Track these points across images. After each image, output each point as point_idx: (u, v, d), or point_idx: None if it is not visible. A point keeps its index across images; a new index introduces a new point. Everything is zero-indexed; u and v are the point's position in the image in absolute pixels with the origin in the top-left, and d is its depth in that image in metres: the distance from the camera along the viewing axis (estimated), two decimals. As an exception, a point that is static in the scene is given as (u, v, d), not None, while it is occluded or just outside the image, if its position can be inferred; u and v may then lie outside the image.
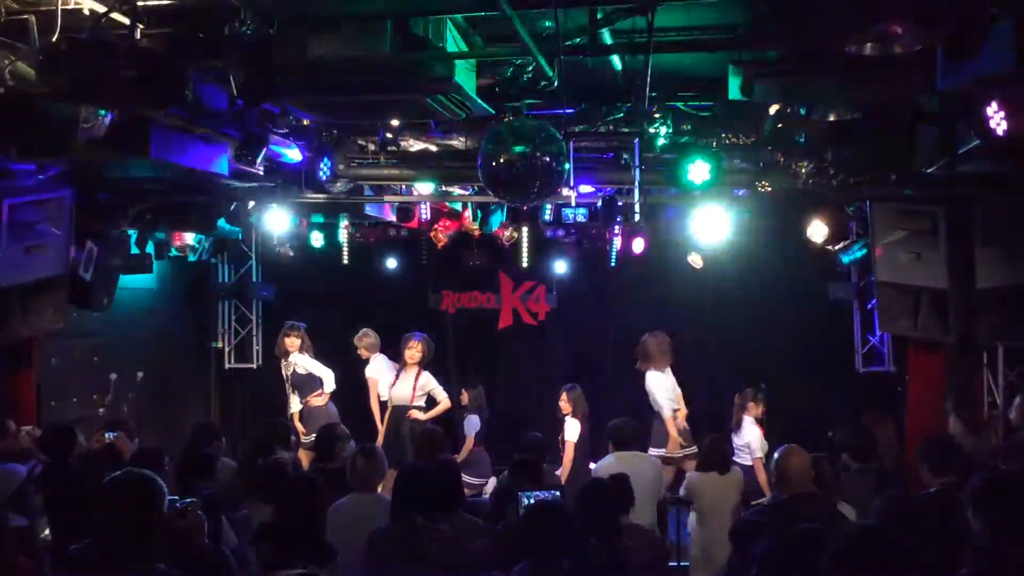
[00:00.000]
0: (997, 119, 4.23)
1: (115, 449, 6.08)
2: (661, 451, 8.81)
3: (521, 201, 8.10)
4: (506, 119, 6.35)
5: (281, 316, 10.50)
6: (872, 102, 5.83)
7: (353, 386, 10.11)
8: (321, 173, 6.98)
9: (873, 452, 6.16)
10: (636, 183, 7.08)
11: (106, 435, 6.40)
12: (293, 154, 7.00)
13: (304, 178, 6.99)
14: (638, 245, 10.18)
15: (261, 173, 6.91)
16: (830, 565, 3.21)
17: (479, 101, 5.61)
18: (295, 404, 9.90)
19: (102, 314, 8.38)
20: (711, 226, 9.44)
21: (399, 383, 9.51)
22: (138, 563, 3.31)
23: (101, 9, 4.30)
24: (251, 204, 8.93)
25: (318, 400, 9.71)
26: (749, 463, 8.15)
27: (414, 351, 9.47)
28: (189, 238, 9.63)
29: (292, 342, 9.80)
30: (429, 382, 9.51)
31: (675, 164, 6.54)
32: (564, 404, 8.78)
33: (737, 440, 8.45)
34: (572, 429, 8.67)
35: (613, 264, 10.80)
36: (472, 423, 9.30)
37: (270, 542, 4.15)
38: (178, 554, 3.67)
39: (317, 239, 10.79)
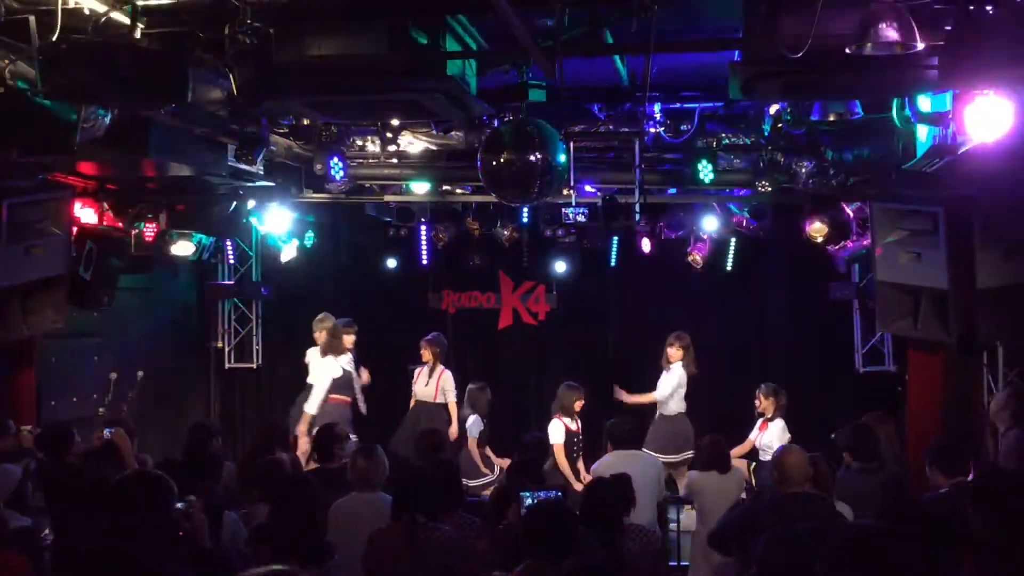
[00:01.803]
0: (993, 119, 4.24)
1: (113, 446, 6.06)
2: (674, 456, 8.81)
3: (521, 201, 8.10)
4: (506, 119, 6.36)
5: (281, 316, 10.49)
6: (872, 102, 5.83)
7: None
8: (333, 171, 7.00)
9: (875, 452, 6.15)
10: (636, 183, 7.08)
11: (105, 431, 6.38)
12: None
13: (308, 177, 7.01)
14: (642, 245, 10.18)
15: (261, 173, 6.92)
16: (827, 565, 3.21)
17: (479, 101, 5.61)
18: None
19: (102, 314, 8.38)
20: (711, 225, 9.47)
21: (422, 379, 9.65)
22: (146, 563, 3.30)
23: (101, 9, 4.30)
24: (251, 204, 8.93)
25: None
26: None
27: (424, 351, 9.66)
28: (189, 238, 9.61)
29: (351, 339, 9.61)
30: (447, 382, 9.59)
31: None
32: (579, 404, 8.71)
33: (766, 438, 8.43)
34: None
35: (613, 264, 10.80)
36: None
37: (267, 541, 4.16)
38: (184, 555, 3.67)
39: (317, 239, 10.80)
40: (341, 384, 9.31)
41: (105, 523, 3.41)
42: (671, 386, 9.24)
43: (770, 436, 8.35)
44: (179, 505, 3.63)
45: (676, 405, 9.28)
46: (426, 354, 9.64)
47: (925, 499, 5.27)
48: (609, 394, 9.91)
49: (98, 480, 4.93)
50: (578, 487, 8.06)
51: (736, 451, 8.28)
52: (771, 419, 8.42)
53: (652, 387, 9.51)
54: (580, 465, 8.49)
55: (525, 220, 10.29)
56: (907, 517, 4.28)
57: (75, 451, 6.13)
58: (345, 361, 9.42)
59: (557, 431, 8.31)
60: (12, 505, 5.15)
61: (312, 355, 9.45)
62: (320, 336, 9.40)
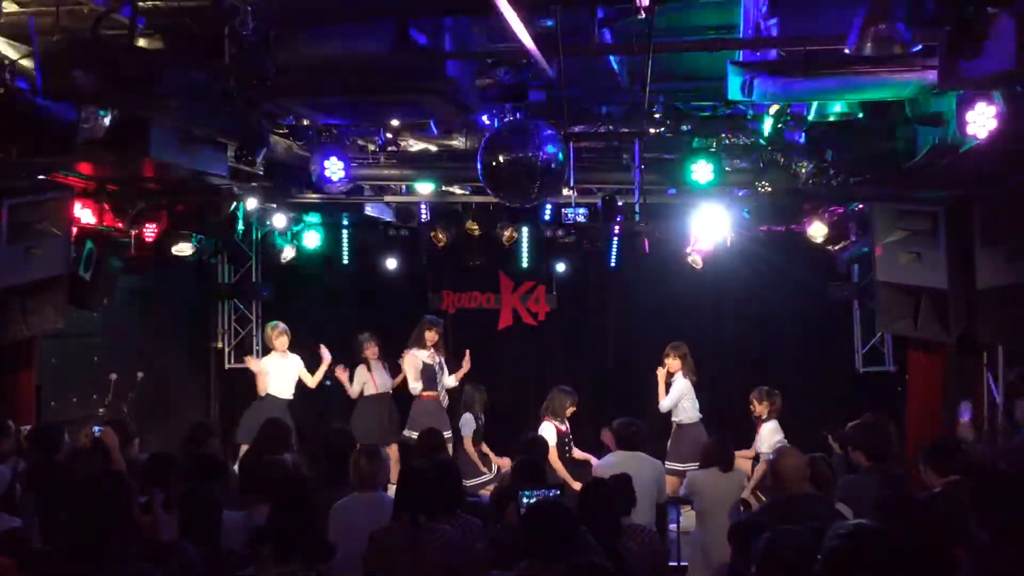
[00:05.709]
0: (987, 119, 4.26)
1: (102, 445, 6.02)
2: (684, 465, 8.68)
3: (521, 201, 8.08)
4: (506, 119, 6.36)
5: (281, 316, 10.48)
6: (871, 102, 5.83)
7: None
8: (328, 173, 6.97)
9: (887, 452, 6.12)
10: (636, 183, 7.08)
11: (94, 430, 6.33)
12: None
13: (312, 179, 7.00)
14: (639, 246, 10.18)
15: (261, 173, 6.91)
16: (824, 564, 3.21)
17: (479, 101, 5.62)
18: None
19: (102, 314, 8.38)
20: (711, 226, 9.44)
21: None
22: (112, 559, 3.31)
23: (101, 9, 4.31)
24: (251, 204, 8.93)
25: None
26: None
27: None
28: (189, 238, 9.61)
29: (433, 336, 9.90)
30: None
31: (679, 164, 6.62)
32: (571, 409, 8.71)
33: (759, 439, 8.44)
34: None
35: (613, 264, 10.80)
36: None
37: (268, 541, 4.16)
38: (143, 549, 3.66)
39: (317, 239, 10.81)
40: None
41: (72, 522, 3.41)
42: (674, 397, 9.21)
43: (761, 437, 8.38)
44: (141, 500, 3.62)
45: (690, 414, 9.21)
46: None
47: (919, 498, 5.27)
48: (609, 394, 9.92)
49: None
50: (576, 486, 8.10)
51: (740, 454, 8.29)
52: (766, 421, 8.44)
53: (650, 389, 9.50)
54: (579, 455, 8.53)
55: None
56: (902, 516, 4.28)
57: (65, 451, 6.11)
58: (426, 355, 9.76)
59: (548, 434, 8.30)
60: (2, 507, 5.13)
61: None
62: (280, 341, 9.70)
